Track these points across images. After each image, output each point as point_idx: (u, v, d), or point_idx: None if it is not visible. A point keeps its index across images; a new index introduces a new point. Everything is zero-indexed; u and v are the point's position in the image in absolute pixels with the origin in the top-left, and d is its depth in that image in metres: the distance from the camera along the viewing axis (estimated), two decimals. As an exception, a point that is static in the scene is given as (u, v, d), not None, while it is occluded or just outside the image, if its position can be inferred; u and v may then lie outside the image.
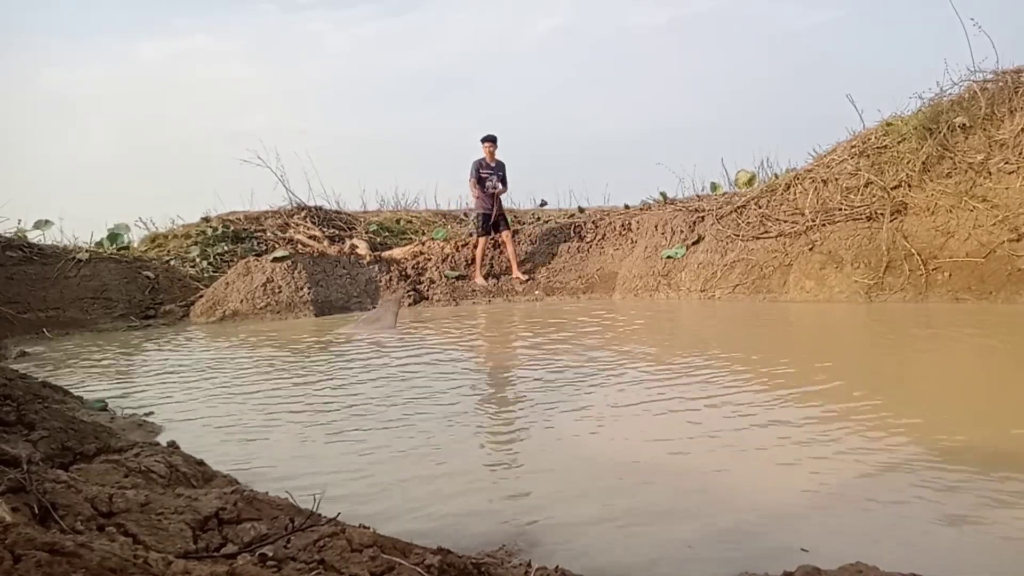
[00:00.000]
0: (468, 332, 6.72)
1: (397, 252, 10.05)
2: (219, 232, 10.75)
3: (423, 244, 10.23)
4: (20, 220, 9.11)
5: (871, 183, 7.44)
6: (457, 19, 39.00)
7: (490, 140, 9.21)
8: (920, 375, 4.18)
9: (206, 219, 11.27)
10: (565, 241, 9.94)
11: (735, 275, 7.90)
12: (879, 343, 5.26)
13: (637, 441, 2.97)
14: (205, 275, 9.47)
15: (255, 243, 10.72)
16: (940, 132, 7.13)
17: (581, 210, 11.54)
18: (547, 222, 10.69)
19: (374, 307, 7.95)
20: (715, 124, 29.00)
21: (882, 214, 7.20)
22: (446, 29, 38.29)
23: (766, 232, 7.98)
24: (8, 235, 8.66)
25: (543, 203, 11.73)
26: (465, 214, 12.26)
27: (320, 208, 11.74)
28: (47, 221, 9.31)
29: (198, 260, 10.04)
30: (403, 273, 9.40)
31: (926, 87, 7.82)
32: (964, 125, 7.06)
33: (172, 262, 9.78)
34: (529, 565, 1.72)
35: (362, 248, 9.94)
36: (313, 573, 1.28)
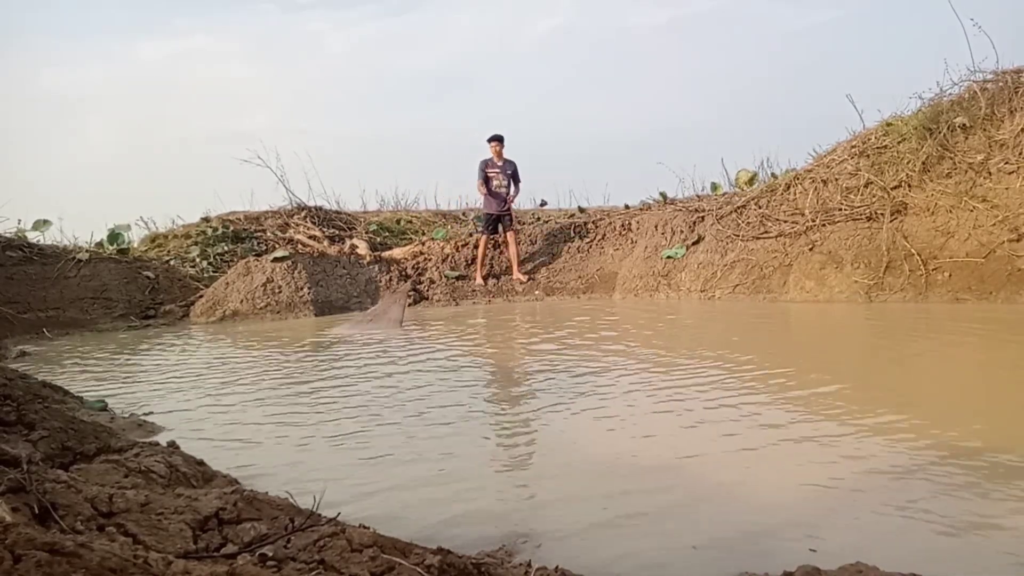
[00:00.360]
0: (468, 332, 6.72)
1: (397, 252, 10.05)
2: (219, 232, 10.75)
3: (423, 244, 10.23)
4: (20, 220, 9.13)
5: (871, 183, 7.44)
6: (457, 19, 39.04)
7: (496, 139, 9.23)
8: (920, 376, 4.17)
9: (206, 219, 11.28)
10: (565, 241, 9.94)
11: (735, 275, 7.91)
12: (879, 344, 5.26)
13: (638, 441, 2.97)
14: (205, 275, 9.48)
15: (255, 243, 10.72)
16: (940, 132, 7.13)
17: (581, 210, 11.54)
18: (547, 222, 10.70)
19: (365, 312, 7.97)
20: (715, 124, 29.04)
21: (882, 214, 7.20)
22: (446, 29, 38.32)
23: (766, 232, 7.99)
24: (8, 235, 8.66)
25: (543, 203, 11.72)
26: (464, 214, 12.27)
27: (320, 208, 11.75)
28: (46, 221, 9.31)
29: (198, 260, 10.05)
30: (403, 273, 9.40)
31: (926, 87, 7.86)
32: (964, 125, 7.06)
33: (172, 262, 9.79)
34: (529, 565, 1.72)
35: (362, 248, 9.94)
36: (313, 573, 1.28)
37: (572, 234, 10.02)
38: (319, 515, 1.60)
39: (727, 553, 1.89)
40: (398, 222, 12.34)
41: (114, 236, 9.88)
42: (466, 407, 3.65)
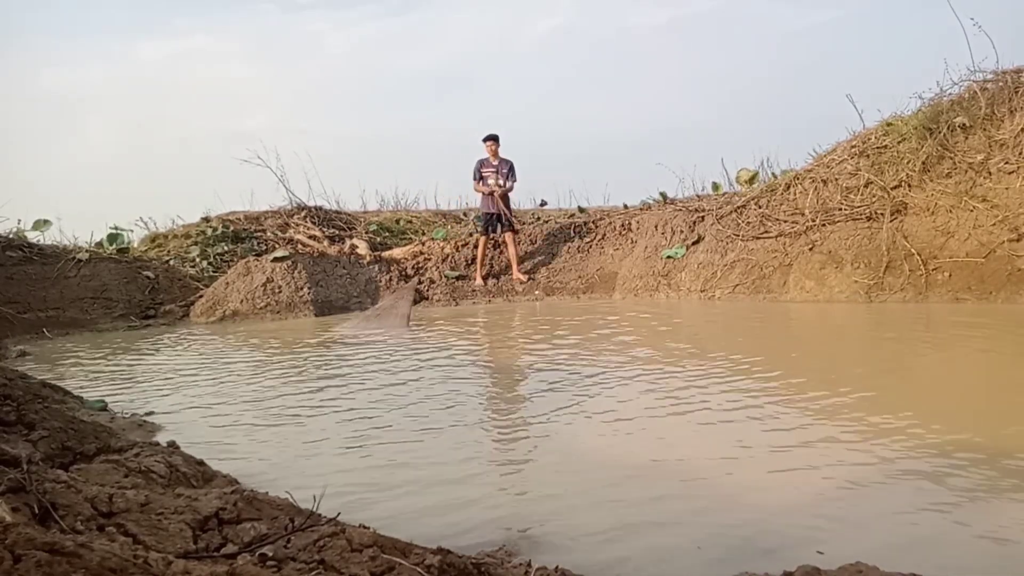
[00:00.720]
0: (469, 332, 6.72)
1: (397, 252, 10.05)
2: (219, 232, 10.75)
3: (423, 244, 10.23)
4: (20, 220, 9.12)
5: (871, 183, 7.44)
6: (457, 19, 39.00)
7: (491, 139, 9.22)
8: (921, 376, 4.17)
9: (206, 219, 11.27)
10: (565, 241, 9.94)
11: (735, 275, 7.91)
12: (880, 344, 5.26)
13: (639, 442, 2.97)
14: (205, 275, 9.48)
15: (255, 243, 10.72)
16: (940, 132, 7.13)
17: (581, 210, 11.54)
18: (547, 222, 10.69)
19: (370, 309, 7.99)
20: (715, 124, 29.02)
21: (882, 214, 7.20)
22: (446, 29, 38.29)
23: (766, 232, 7.98)
24: (8, 235, 8.66)
25: (543, 203, 11.72)
26: (464, 214, 12.27)
27: (320, 208, 11.74)
28: (47, 221, 9.31)
29: (198, 260, 10.04)
30: (403, 273, 9.40)
31: (926, 87, 7.83)
32: (964, 125, 7.06)
33: (172, 262, 9.79)
34: (529, 565, 1.72)
35: (362, 248, 9.94)
36: (313, 573, 1.28)
37: (572, 234, 10.02)
38: (319, 515, 1.60)
39: (727, 553, 1.89)
40: (398, 222, 12.33)
41: (114, 236, 9.88)
42: (466, 407, 3.65)
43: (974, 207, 6.71)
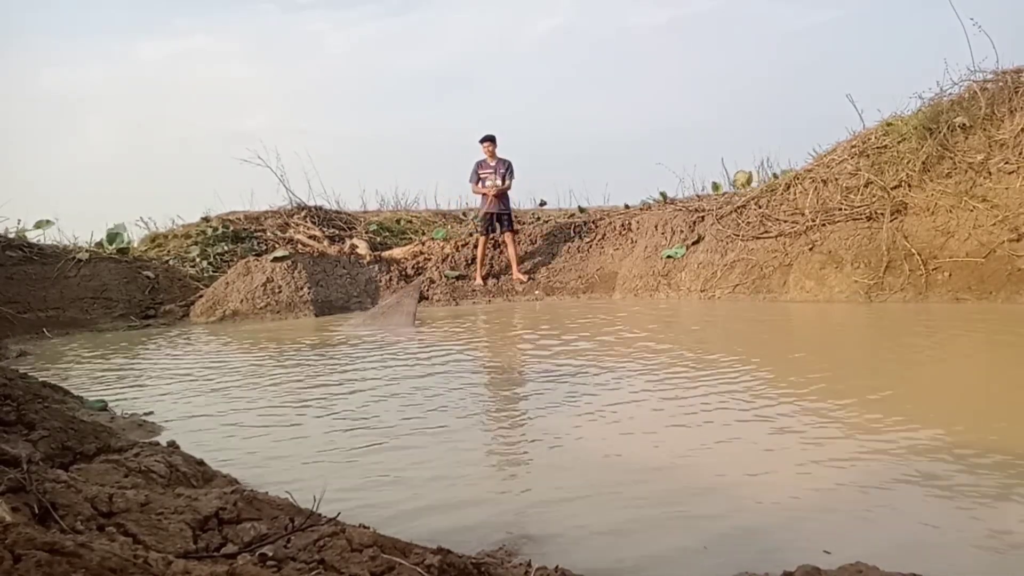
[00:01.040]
0: (469, 332, 6.72)
1: (397, 252, 10.05)
2: (219, 232, 10.75)
3: (423, 244, 10.23)
4: (20, 220, 9.12)
5: (871, 183, 7.44)
6: (457, 19, 38.98)
7: (488, 140, 9.21)
8: (921, 376, 4.17)
9: (206, 219, 11.27)
10: (565, 241, 9.94)
11: (735, 275, 7.91)
12: (880, 344, 5.26)
13: (640, 442, 2.97)
14: (205, 275, 9.47)
15: (255, 243, 10.72)
16: (940, 132, 7.13)
17: (581, 210, 11.54)
18: (547, 222, 10.69)
19: (372, 308, 7.99)
20: (715, 124, 29.00)
21: (882, 214, 7.20)
22: (446, 29, 38.27)
23: (766, 232, 7.99)
24: (8, 235, 8.66)
25: (543, 203, 11.74)
26: (464, 214, 12.27)
27: (320, 208, 11.74)
28: (48, 221, 9.31)
29: (198, 260, 10.04)
30: (403, 273, 9.40)
31: (926, 87, 7.83)
32: (964, 125, 7.06)
33: (172, 262, 9.79)
34: (529, 565, 1.72)
35: (362, 248, 9.94)
36: (313, 573, 1.28)
37: (572, 234, 10.02)
38: (319, 515, 1.60)
39: (727, 553, 1.89)
40: (398, 222, 12.33)
41: (114, 236, 9.88)
42: (466, 407, 3.65)
43: (974, 207, 6.71)
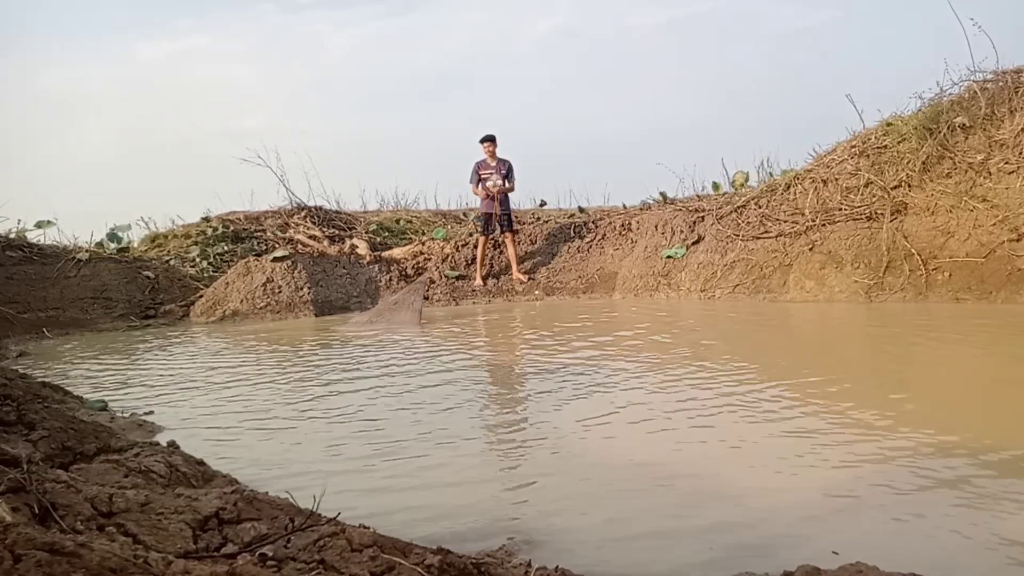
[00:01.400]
0: (469, 331, 6.72)
1: (397, 252, 10.05)
2: (219, 232, 10.75)
3: (423, 244, 10.23)
4: (20, 220, 9.13)
5: (871, 183, 7.44)
6: (457, 19, 38.96)
7: (488, 140, 9.19)
8: (921, 376, 4.18)
9: (206, 219, 11.27)
10: (565, 241, 9.94)
11: (735, 275, 7.91)
12: (880, 344, 5.26)
13: (639, 441, 2.97)
14: (205, 275, 9.47)
15: (255, 243, 10.72)
16: (940, 132, 7.12)
17: (581, 210, 11.54)
18: (547, 222, 10.69)
19: (374, 307, 8.00)
20: (715, 124, 28.99)
21: (882, 214, 7.20)
22: (446, 29, 38.26)
23: (766, 232, 7.98)
24: (8, 235, 8.66)
25: (543, 203, 11.74)
26: (464, 214, 12.27)
27: (320, 208, 11.73)
28: (48, 221, 9.32)
29: (198, 260, 10.04)
30: (403, 273, 9.40)
31: (926, 87, 7.83)
32: (964, 125, 7.06)
33: (172, 262, 9.79)
34: (529, 565, 1.72)
35: (362, 248, 9.94)
36: (313, 573, 1.28)
37: (572, 234, 10.02)
38: (319, 515, 1.60)
39: (728, 552, 1.89)
40: (398, 222, 12.33)
41: (114, 236, 9.89)
42: (467, 407, 3.65)
43: (974, 207, 6.71)
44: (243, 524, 1.53)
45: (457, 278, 9.44)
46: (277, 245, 10.31)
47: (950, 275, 6.59)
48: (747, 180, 9.34)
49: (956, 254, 6.64)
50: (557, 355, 5.00)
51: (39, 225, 9.22)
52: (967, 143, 7.03)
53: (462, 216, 12.24)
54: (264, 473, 2.66)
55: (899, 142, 7.49)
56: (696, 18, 36.81)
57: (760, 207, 8.23)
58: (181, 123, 31.72)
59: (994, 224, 6.53)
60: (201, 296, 8.54)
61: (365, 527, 1.63)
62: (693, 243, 8.59)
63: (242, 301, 8.19)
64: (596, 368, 4.44)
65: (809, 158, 8.49)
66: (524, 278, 9.40)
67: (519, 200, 11.61)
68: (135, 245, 10.52)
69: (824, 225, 7.57)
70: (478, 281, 9.40)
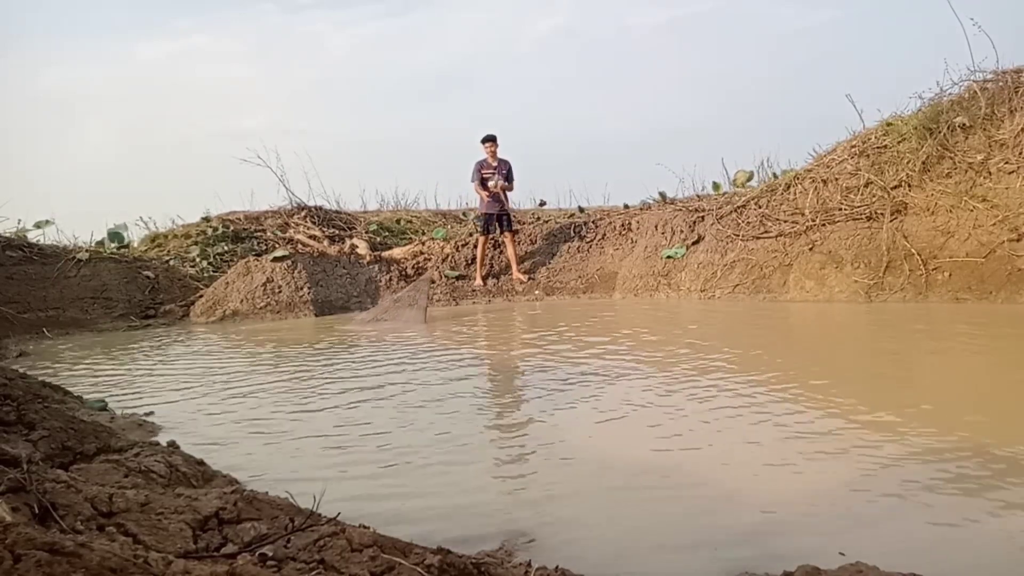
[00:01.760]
0: (469, 331, 6.72)
1: (397, 252, 10.05)
2: (219, 232, 10.75)
3: (423, 244, 10.23)
4: (20, 220, 9.14)
5: (871, 183, 7.44)
6: (457, 19, 38.97)
7: (490, 140, 9.19)
8: (922, 376, 4.17)
9: (206, 219, 11.27)
10: (565, 241, 9.94)
11: (735, 275, 7.91)
12: (881, 344, 5.25)
13: (641, 442, 2.97)
14: (205, 275, 9.48)
15: (255, 243, 10.72)
16: (940, 132, 7.13)
17: (581, 210, 11.54)
18: (547, 222, 10.68)
19: (376, 306, 8.00)
20: (715, 124, 29.01)
21: (882, 214, 7.20)
22: (446, 29, 38.27)
23: (766, 232, 7.99)
24: (8, 235, 8.66)
25: (542, 203, 11.73)
26: (464, 214, 12.27)
27: (320, 208, 11.73)
28: (48, 221, 9.33)
29: (198, 260, 10.04)
30: (403, 273, 9.40)
31: (926, 87, 7.85)
32: (964, 125, 7.06)
33: (172, 262, 9.79)
34: (529, 565, 1.72)
35: (362, 248, 9.94)
36: (313, 573, 1.28)
37: (572, 234, 10.02)
38: (319, 515, 1.60)
39: (728, 552, 1.89)
40: (398, 222, 12.33)
41: (114, 236, 9.88)
42: (466, 407, 3.65)
43: (974, 207, 6.71)
44: (243, 524, 1.53)
45: (457, 278, 9.44)
46: (277, 245, 10.31)
47: (950, 275, 6.59)
48: (750, 179, 9.34)
49: (956, 254, 6.64)
50: (557, 355, 5.00)
51: (38, 225, 9.22)
52: (967, 143, 7.03)
53: (462, 216, 12.25)
54: (264, 473, 2.66)
55: (899, 142, 7.49)
56: (696, 18, 36.82)
57: (760, 207, 8.23)
58: (181, 123, 31.75)
59: (994, 224, 6.53)
60: (201, 296, 8.54)
61: (365, 527, 1.63)
62: (693, 243, 8.59)
63: (242, 301, 8.19)
64: (596, 369, 4.44)
65: (809, 158, 8.50)
66: (524, 278, 9.40)
67: (519, 200, 11.62)
68: (135, 245, 10.52)
69: (824, 225, 7.57)
70: (478, 281, 9.39)
